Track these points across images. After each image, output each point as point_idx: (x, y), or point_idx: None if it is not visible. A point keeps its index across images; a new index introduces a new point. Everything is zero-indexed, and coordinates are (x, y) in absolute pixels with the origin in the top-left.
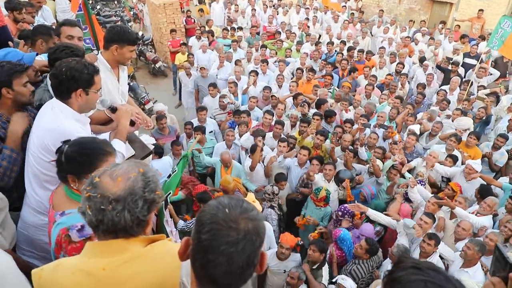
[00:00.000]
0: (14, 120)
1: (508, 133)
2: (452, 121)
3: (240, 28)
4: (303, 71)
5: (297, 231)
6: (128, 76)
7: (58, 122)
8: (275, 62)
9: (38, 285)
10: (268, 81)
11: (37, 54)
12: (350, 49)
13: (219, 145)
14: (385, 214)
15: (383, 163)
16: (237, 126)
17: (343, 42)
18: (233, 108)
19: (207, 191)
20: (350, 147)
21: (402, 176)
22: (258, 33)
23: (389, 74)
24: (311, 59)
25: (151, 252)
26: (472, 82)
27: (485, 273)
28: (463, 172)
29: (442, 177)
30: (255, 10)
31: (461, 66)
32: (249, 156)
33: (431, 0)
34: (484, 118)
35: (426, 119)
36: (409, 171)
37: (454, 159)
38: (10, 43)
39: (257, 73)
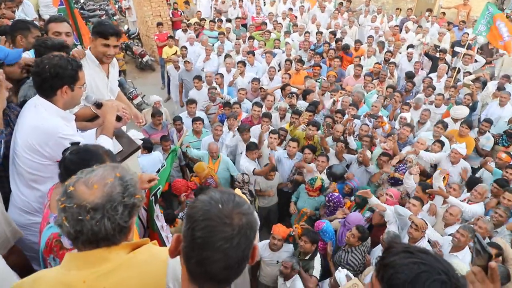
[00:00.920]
0: None
1: (508, 125)
2: (436, 107)
3: (229, 20)
4: (291, 62)
5: (290, 222)
6: (121, 71)
7: (42, 120)
8: (262, 54)
9: None
10: (256, 73)
11: (24, 51)
12: (338, 40)
13: (207, 139)
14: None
15: (371, 152)
16: (226, 119)
17: (332, 33)
18: (223, 101)
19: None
20: (341, 137)
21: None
22: (245, 25)
23: (377, 63)
24: (300, 49)
25: (134, 258)
26: (459, 69)
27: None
28: (449, 156)
29: (431, 164)
30: (242, 1)
31: (451, 55)
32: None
33: None
34: (470, 104)
35: (413, 107)
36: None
37: (442, 144)
38: None
39: (244, 64)
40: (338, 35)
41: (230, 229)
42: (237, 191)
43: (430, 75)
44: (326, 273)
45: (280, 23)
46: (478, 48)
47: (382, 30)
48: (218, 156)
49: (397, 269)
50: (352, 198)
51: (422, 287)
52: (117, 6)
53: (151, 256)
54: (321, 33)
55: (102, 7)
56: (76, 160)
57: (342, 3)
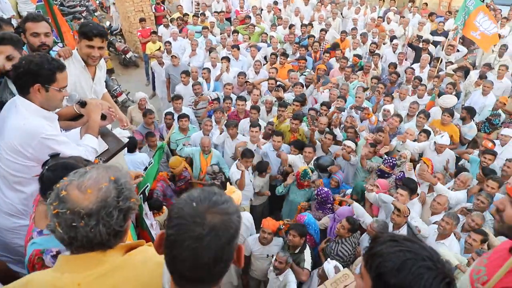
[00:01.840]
0: None
1: (493, 112)
2: (419, 97)
3: (218, 12)
4: (277, 56)
5: (280, 215)
6: (109, 70)
7: (24, 120)
8: (246, 47)
9: None
10: (242, 67)
11: None
12: (322, 30)
13: (196, 135)
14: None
15: (356, 144)
16: (213, 113)
17: (311, 25)
18: (213, 97)
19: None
20: (327, 129)
21: (380, 156)
22: (229, 19)
23: (355, 55)
24: (285, 42)
25: (129, 260)
26: (441, 59)
27: (458, 240)
28: (434, 146)
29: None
30: None
31: (431, 43)
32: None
33: None
34: (453, 93)
35: (399, 97)
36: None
37: (428, 133)
38: None
39: (228, 59)
40: (323, 27)
41: (200, 228)
42: (229, 188)
43: (412, 66)
44: (317, 264)
45: (259, 15)
46: (460, 38)
47: (364, 21)
48: (210, 151)
49: (384, 258)
50: (348, 192)
51: (408, 273)
52: (97, 1)
53: (146, 258)
54: (306, 25)
55: (82, 3)
56: (53, 178)
57: None
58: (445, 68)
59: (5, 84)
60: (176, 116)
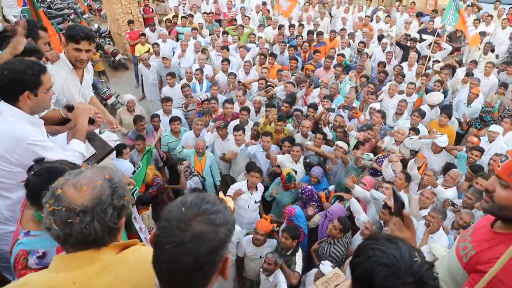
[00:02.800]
0: None
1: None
2: (408, 95)
3: (207, 13)
4: (266, 57)
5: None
6: (100, 72)
7: (9, 126)
8: (236, 48)
9: None
10: (232, 67)
11: None
12: (309, 32)
13: (187, 135)
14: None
15: (348, 144)
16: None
17: (302, 25)
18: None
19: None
20: (321, 129)
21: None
22: (218, 20)
23: (339, 55)
24: (275, 43)
25: (124, 259)
26: (429, 57)
27: (447, 234)
28: (431, 145)
29: (411, 151)
30: None
31: (419, 42)
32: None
33: None
34: (441, 91)
35: (388, 94)
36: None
37: (417, 132)
38: None
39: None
40: (311, 27)
41: (182, 234)
42: (221, 195)
43: (401, 64)
44: (308, 264)
45: (247, 17)
46: (446, 36)
47: (352, 21)
48: (203, 153)
49: (362, 255)
50: (331, 188)
51: (370, 269)
52: (86, 4)
53: (140, 256)
54: (294, 26)
55: (70, 5)
56: (39, 183)
57: None
58: (432, 66)
59: None
60: (161, 118)
